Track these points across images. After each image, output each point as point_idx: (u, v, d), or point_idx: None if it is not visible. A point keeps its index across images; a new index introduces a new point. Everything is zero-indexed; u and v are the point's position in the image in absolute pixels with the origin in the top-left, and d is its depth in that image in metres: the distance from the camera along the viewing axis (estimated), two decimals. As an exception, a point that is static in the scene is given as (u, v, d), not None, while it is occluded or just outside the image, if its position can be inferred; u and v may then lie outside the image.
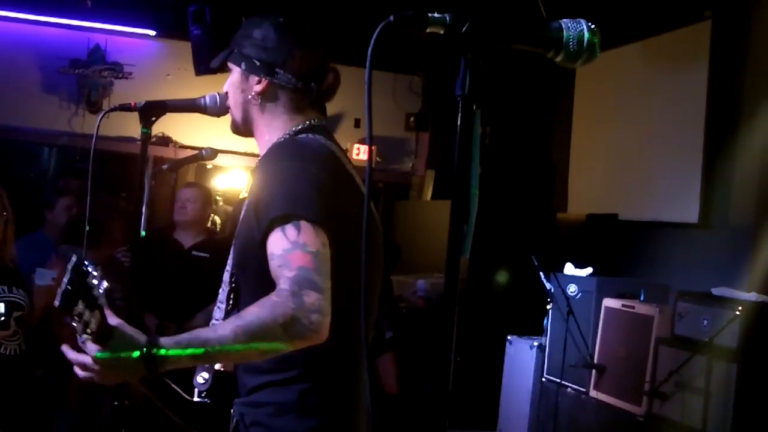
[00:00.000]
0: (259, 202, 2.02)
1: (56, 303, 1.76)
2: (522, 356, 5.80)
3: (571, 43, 1.47)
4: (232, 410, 2.14)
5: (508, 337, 5.98)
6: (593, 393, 5.03)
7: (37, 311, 4.24)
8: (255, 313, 1.83)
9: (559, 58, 1.49)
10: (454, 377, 1.42)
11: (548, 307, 5.52)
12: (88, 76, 7.88)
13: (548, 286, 5.41)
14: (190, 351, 1.83)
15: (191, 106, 2.54)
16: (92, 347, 1.84)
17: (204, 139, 7.24)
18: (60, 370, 4.34)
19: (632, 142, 6.66)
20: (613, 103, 6.95)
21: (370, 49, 1.36)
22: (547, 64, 1.55)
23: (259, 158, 2.22)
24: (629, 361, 4.81)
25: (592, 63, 1.51)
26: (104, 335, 1.83)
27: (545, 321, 5.62)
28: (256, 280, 2.05)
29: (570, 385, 5.24)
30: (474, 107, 1.39)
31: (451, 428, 1.41)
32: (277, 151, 2.15)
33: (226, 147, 7.28)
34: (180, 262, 5.18)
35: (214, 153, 4.66)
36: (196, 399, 2.17)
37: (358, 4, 6.82)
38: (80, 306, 1.77)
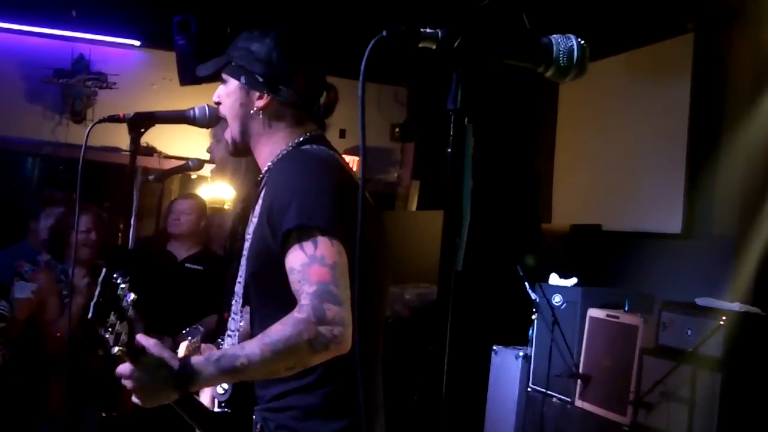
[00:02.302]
0: (273, 213, 2.04)
1: (89, 316, 1.78)
2: (507, 366, 5.82)
3: (561, 58, 1.48)
4: (253, 416, 2.16)
5: (494, 347, 6.00)
6: (579, 403, 5.05)
7: (18, 323, 4.24)
8: (280, 331, 1.89)
9: (549, 73, 1.51)
10: (441, 387, 1.43)
11: (533, 317, 5.55)
12: (72, 86, 7.85)
13: (533, 296, 5.44)
14: (220, 371, 1.90)
15: (180, 118, 2.55)
16: (127, 367, 1.89)
17: (188, 150, 7.24)
18: (43, 380, 4.32)
19: (616, 152, 6.69)
20: (596, 114, 6.99)
21: (363, 63, 1.36)
22: (531, 75, 1.57)
23: (264, 170, 2.24)
24: (614, 370, 4.83)
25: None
26: (133, 348, 1.87)
27: (530, 331, 5.64)
28: (271, 290, 2.09)
29: (555, 395, 5.26)
30: (466, 121, 1.40)
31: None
32: (286, 162, 2.17)
33: (212, 157, 7.26)
34: (173, 275, 5.16)
35: (200, 163, 4.67)
36: (216, 409, 2.18)
37: (343, 14, 6.84)
38: (112, 317, 1.81)
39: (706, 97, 5.84)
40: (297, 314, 1.90)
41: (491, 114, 7.09)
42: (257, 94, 2.22)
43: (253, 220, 2.19)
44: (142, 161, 7.42)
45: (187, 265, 5.22)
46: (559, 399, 5.23)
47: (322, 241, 1.96)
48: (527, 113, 7.84)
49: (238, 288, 2.27)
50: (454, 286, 1.40)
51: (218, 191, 8.28)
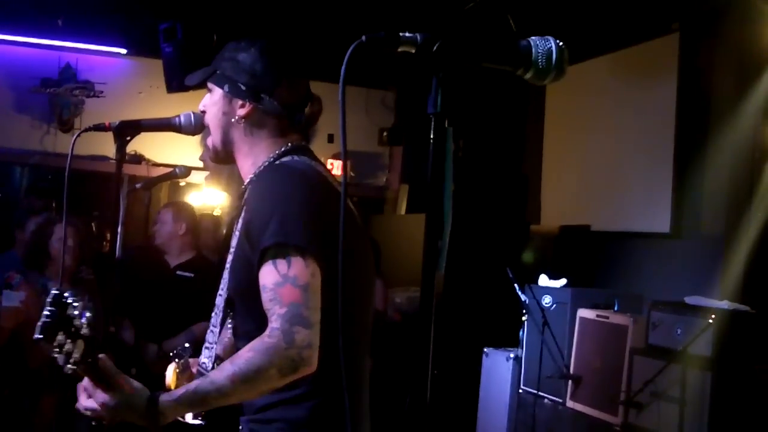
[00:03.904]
0: (251, 229, 2.05)
1: (35, 336, 1.78)
2: (498, 368, 5.82)
3: (539, 60, 1.49)
4: (240, 428, 2.17)
5: (485, 350, 6.00)
6: (570, 403, 5.06)
7: (4, 332, 4.23)
8: (249, 359, 1.92)
9: (528, 76, 1.52)
10: (431, 390, 1.44)
11: (524, 318, 5.55)
12: (60, 95, 7.84)
13: (523, 297, 5.44)
14: (190, 406, 1.96)
15: (166, 125, 2.54)
16: (100, 396, 1.94)
17: (177, 157, 7.23)
18: (29, 392, 4.31)
19: (603, 153, 6.71)
20: (583, 116, 7.01)
21: (342, 69, 1.37)
22: (516, 77, 1.57)
23: (247, 182, 2.24)
24: (605, 371, 4.84)
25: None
26: (93, 366, 1.88)
27: (521, 333, 5.64)
28: (253, 304, 2.07)
29: (547, 396, 5.27)
30: (446, 124, 1.41)
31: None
32: (266, 176, 2.17)
33: (200, 164, 7.25)
34: (164, 282, 5.17)
35: (187, 171, 4.67)
36: (191, 422, 2.17)
37: (329, 19, 6.84)
38: (61, 337, 1.80)
39: (691, 96, 5.86)
40: (267, 339, 1.92)
41: (479, 117, 7.12)
42: (240, 102, 2.22)
43: (236, 233, 2.19)
44: (131, 169, 7.41)
45: (179, 272, 5.22)
46: (551, 400, 5.24)
47: (296, 261, 1.96)
48: (514, 116, 7.86)
49: (219, 301, 2.26)
50: (443, 287, 1.41)
51: (207, 198, 8.29)
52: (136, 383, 1.98)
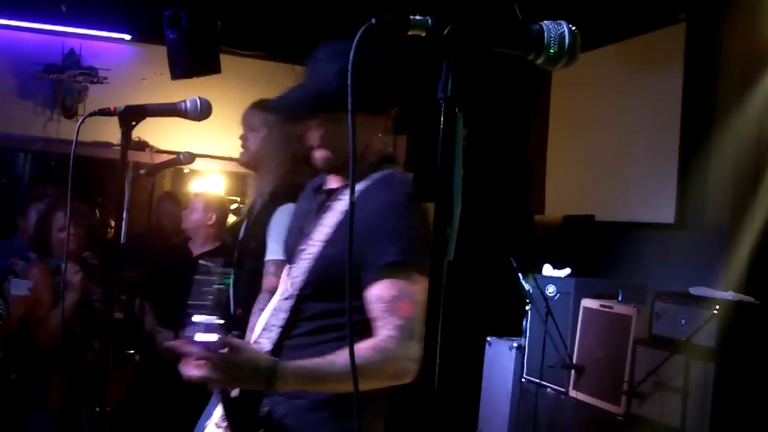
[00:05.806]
0: (368, 238, 2.06)
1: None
2: (501, 357, 5.82)
3: (552, 45, 1.47)
4: (261, 402, 2.17)
5: (488, 339, 6.00)
6: (572, 393, 5.06)
7: (14, 320, 4.23)
8: (370, 357, 1.98)
9: (540, 60, 1.49)
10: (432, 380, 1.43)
11: (527, 308, 5.54)
12: (63, 81, 7.82)
13: (527, 287, 5.43)
14: (306, 378, 1.98)
15: (172, 111, 2.53)
16: (223, 355, 1.95)
17: (180, 143, 7.21)
18: (38, 375, 4.31)
19: (608, 143, 6.69)
20: (588, 106, 6.98)
21: (352, 52, 1.36)
22: (523, 66, 1.56)
23: (361, 189, 2.21)
24: (608, 361, 4.84)
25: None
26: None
27: (524, 322, 5.64)
28: (326, 303, 2.14)
29: (549, 385, 5.26)
30: (456, 110, 1.39)
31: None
32: (385, 186, 2.21)
33: (203, 151, 7.26)
34: (185, 270, 5.17)
35: (191, 157, 4.65)
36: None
37: (336, 6, 6.82)
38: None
39: (698, 87, 5.84)
40: (387, 344, 1.99)
41: (484, 106, 7.09)
42: (372, 117, 2.38)
43: (323, 230, 2.20)
44: (135, 156, 7.39)
45: (201, 261, 5.23)
46: (553, 389, 5.24)
47: (417, 279, 2.02)
48: (519, 105, 7.83)
49: (284, 304, 2.25)
50: (447, 276, 1.39)
51: (210, 185, 8.29)
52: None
